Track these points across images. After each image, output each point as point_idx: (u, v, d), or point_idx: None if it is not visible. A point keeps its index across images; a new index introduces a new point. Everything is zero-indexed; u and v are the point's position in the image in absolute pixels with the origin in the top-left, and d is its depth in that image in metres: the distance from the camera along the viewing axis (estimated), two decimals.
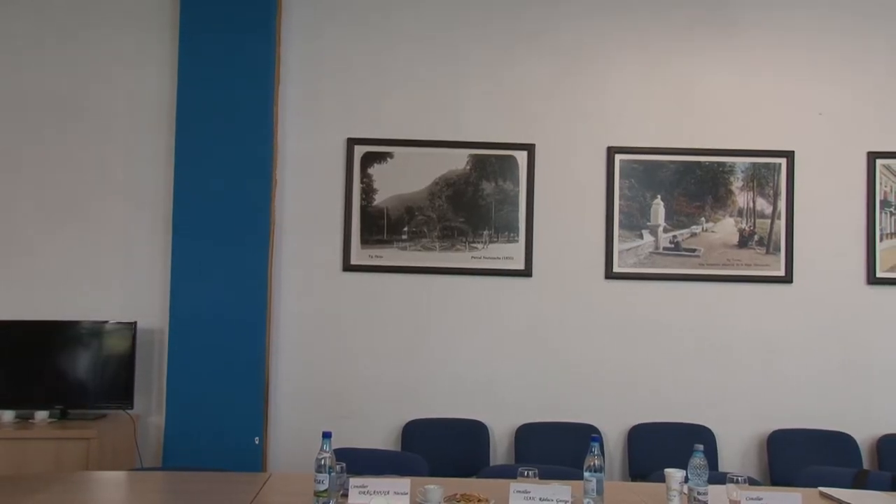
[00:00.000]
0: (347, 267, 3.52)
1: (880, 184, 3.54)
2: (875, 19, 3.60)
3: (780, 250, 3.52)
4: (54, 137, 3.52)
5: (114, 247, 3.49)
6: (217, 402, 3.25)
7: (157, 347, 3.45)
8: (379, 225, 3.52)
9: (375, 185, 3.53)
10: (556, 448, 3.32)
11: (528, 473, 2.14)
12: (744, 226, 3.54)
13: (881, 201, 3.54)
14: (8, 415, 3.19)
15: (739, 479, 2.19)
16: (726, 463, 3.44)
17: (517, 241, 3.51)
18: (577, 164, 3.57)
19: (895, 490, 2.52)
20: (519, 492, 2.09)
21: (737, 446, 3.48)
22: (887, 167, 3.55)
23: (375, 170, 3.53)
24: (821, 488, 2.47)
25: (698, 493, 2.10)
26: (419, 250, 3.52)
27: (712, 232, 3.54)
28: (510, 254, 3.52)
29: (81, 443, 3.01)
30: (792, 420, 3.46)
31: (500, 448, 3.48)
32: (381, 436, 3.47)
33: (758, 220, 3.54)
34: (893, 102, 3.59)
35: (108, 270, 3.48)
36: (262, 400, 3.35)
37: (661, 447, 3.36)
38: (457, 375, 3.51)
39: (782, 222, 3.53)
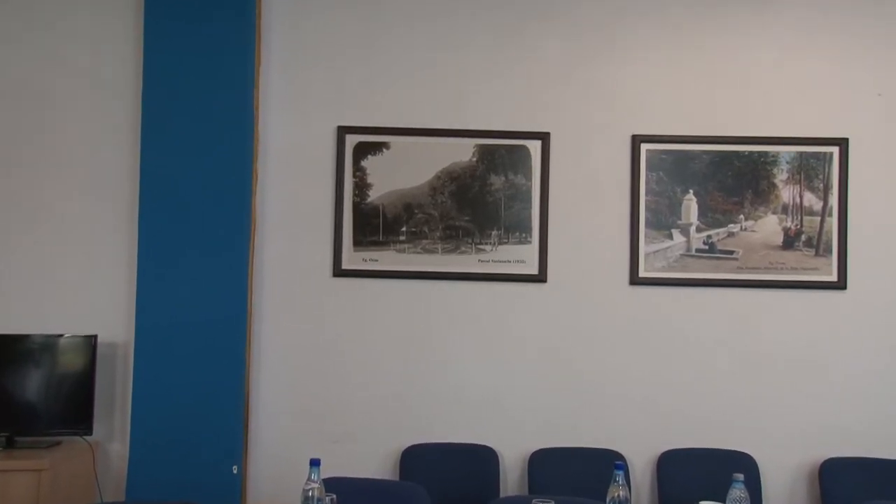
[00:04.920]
0: (338, 272, 3.47)
1: None
2: None
3: (831, 252, 3.44)
4: (2, 126, 3.46)
5: (71, 250, 3.43)
6: (189, 427, 3.19)
7: (120, 364, 3.39)
8: (374, 224, 3.48)
9: (370, 180, 3.50)
10: (574, 477, 3.27)
11: None
12: (789, 224, 3.47)
13: None
14: None
15: None
16: (771, 495, 3.37)
17: (530, 242, 3.48)
18: (598, 154, 3.51)
19: None
20: None
21: (783, 476, 3.40)
22: None
23: (370, 162, 3.50)
24: None
25: None
26: (419, 253, 3.48)
27: (752, 231, 3.47)
28: (522, 256, 3.47)
29: (31, 475, 2.91)
30: (848, 447, 3.37)
31: (512, 477, 3.44)
32: (377, 463, 3.43)
33: (805, 218, 3.47)
34: None
35: (65, 276, 3.41)
36: (241, 423, 3.30)
37: (694, 476, 3.27)
38: (462, 394, 3.46)
39: (834, 220, 3.45)
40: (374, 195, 3.47)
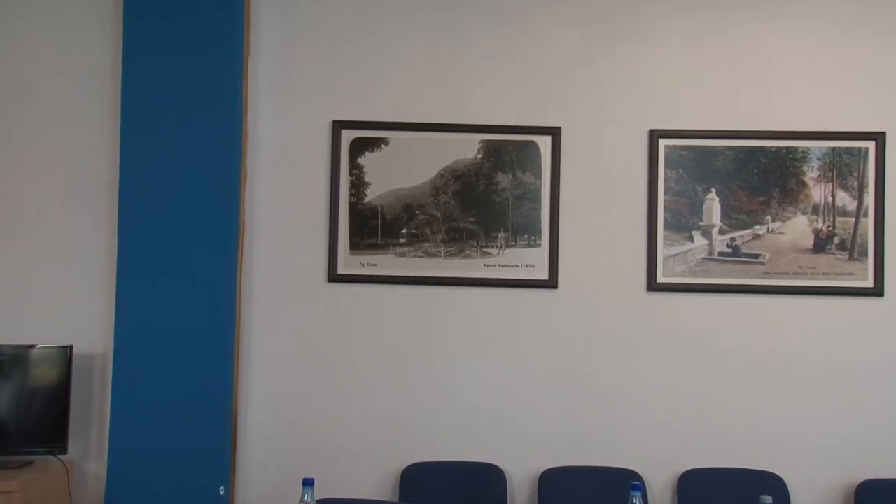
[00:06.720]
0: (333, 277, 3.45)
1: None
2: None
3: (866, 255, 3.41)
4: None
5: (45, 254, 3.41)
6: (172, 445, 3.16)
7: (97, 377, 3.37)
8: (372, 226, 3.47)
9: (367, 178, 3.48)
10: (588, 498, 3.25)
11: None
12: (820, 225, 3.43)
13: None
14: None
15: None
16: None
17: (539, 245, 3.46)
18: (613, 151, 3.49)
19: None
20: None
21: (815, 499, 3.34)
22: None
23: (367, 159, 3.48)
24: None
25: None
26: (420, 257, 3.46)
27: (780, 233, 3.44)
28: (531, 260, 3.46)
29: (1, 497, 2.86)
30: (886, 467, 3.31)
31: (520, 498, 3.39)
32: (375, 483, 3.40)
33: (838, 219, 3.43)
34: None
35: (37, 282, 3.40)
36: (228, 440, 3.27)
37: (718, 498, 3.24)
38: (467, 409, 3.44)
39: (870, 221, 3.41)
40: (371, 195, 3.46)
